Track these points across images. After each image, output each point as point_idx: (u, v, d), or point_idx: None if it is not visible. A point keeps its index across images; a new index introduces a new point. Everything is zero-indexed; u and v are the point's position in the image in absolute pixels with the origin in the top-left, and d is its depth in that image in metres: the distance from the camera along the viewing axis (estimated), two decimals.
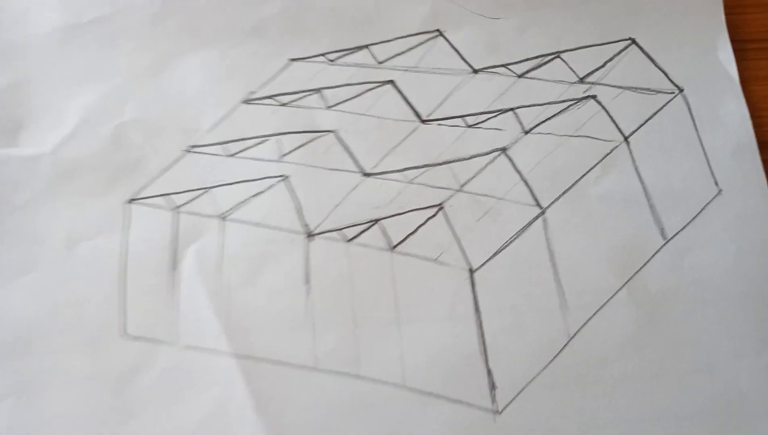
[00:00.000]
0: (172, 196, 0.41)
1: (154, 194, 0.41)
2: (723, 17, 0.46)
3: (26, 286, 0.40)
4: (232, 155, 0.42)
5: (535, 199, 0.41)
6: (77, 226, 0.41)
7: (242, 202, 0.41)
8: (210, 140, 0.43)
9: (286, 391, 0.38)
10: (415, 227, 0.41)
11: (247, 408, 0.38)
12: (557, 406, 0.38)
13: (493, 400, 0.38)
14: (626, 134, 0.43)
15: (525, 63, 0.44)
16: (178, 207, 0.41)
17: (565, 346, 0.39)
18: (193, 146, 0.43)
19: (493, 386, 0.38)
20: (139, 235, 0.41)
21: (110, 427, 0.37)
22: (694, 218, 0.41)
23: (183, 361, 0.38)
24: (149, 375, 0.38)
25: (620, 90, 0.44)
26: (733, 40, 0.45)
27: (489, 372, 0.38)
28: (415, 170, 0.42)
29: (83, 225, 0.41)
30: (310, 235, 0.40)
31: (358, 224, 0.41)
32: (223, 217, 0.41)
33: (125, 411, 0.38)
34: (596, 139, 0.43)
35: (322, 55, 0.45)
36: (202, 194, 0.41)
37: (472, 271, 0.40)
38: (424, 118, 0.43)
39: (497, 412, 0.38)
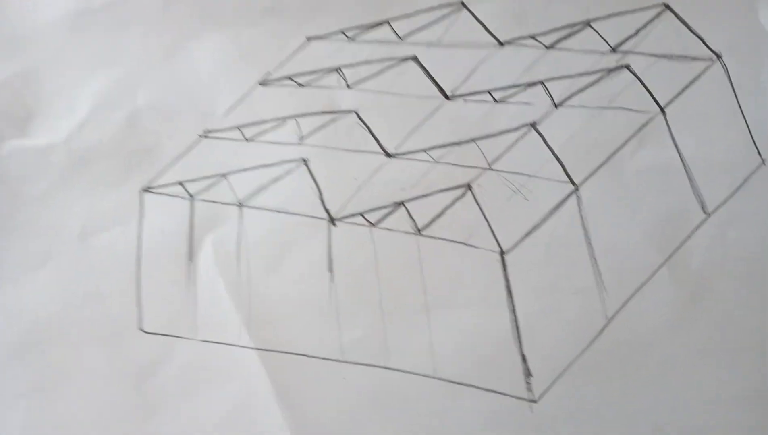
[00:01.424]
0: (188, 183, 0.39)
1: (170, 182, 0.39)
2: None
3: (41, 280, 0.37)
4: (249, 139, 0.39)
5: (568, 176, 0.37)
6: (92, 217, 0.38)
7: (261, 188, 0.38)
8: (226, 124, 0.40)
9: (312, 385, 0.35)
10: (443, 209, 0.37)
11: (271, 403, 0.35)
12: (597, 392, 0.34)
13: (529, 388, 0.35)
14: (662, 104, 0.39)
15: (553, 33, 0.41)
16: (194, 195, 0.38)
17: (603, 328, 0.35)
18: (209, 131, 0.40)
19: (528, 373, 0.35)
20: (154, 226, 0.38)
21: (131, 425, 0.35)
22: (736, 191, 0.38)
23: (203, 355, 0.36)
24: (169, 370, 0.36)
25: (655, 58, 0.40)
26: None
27: (524, 358, 0.35)
28: (440, 149, 0.38)
29: (98, 216, 0.38)
30: (333, 221, 0.37)
31: (383, 208, 0.37)
32: (241, 205, 0.38)
33: (146, 407, 0.35)
34: (631, 110, 0.39)
35: (341, 32, 0.41)
36: (219, 181, 0.39)
37: (503, 254, 0.36)
38: (450, 94, 0.40)
39: (534, 401, 0.34)
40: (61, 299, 0.37)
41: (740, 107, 0.39)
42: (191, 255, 0.37)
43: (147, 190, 0.39)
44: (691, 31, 0.40)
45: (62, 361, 0.36)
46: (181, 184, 0.39)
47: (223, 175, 0.39)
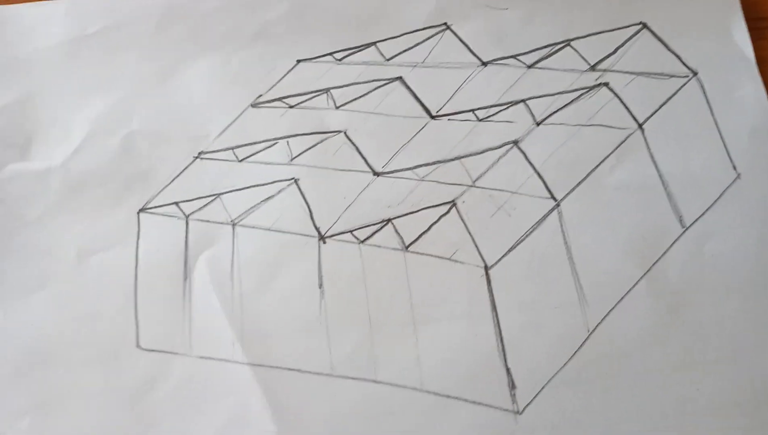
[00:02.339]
0: (183, 204, 0.39)
1: (165, 203, 0.39)
2: None
3: (40, 301, 0.38)
4: (241, 160, 0.40)
5: (550, 192, 0.38)
6: (89, 238, 0.39)
7: (253, 207, 0.39)
8: (219, 146, 0.41)
9: (304, 399, 0.36)
10: (429, 225, 0.38)
11: (265, 417, 0.35)
12: (580, 403, 0.35)
13: (514, 400, 0.35)
14: (640, 121, 0.40)
15: (534, 53, 0.42)
16: (189, 215, 0.39)
17: (585, 341, 0.36)
18: (202, 153, 0.40)
19: (512, 386, 0.35)
20: (150, 246, 0.39)
21: None
22: (713, 204, 0.38)
23: (198, 371, 0.36)
24: (165, 387, 0.36)
25: (633, 76, 0.41)
26: (748, 19, 0.42)
27: (508, 371, 0.36)
28: (426, 167, 0.39)
29: (95, 237, 0.39)
30: (323, 238, 0.38)
31: (371, 225, 0.38)
32: (234, 224, 0.39)
33: (142, 424, 0.36)
34: (610, 127, 0.40)
35: (329, 54, 0.42)
36: (212, 201, 0.39)
37: (487, 268, 0.37)
38: (434, 113, 0.41)
39: (518, 413, 0.35)
40: (60, 319, 0.37)
41: (716, 123, 0.40)
42: (186, 274, 0.38)
43: (143, 210, 0.39)
44: (668, 49, 0.41)
45: (62, 379, 0.36)
46: (176, 204, 0.39)
47: (217, 195, 0.39)
